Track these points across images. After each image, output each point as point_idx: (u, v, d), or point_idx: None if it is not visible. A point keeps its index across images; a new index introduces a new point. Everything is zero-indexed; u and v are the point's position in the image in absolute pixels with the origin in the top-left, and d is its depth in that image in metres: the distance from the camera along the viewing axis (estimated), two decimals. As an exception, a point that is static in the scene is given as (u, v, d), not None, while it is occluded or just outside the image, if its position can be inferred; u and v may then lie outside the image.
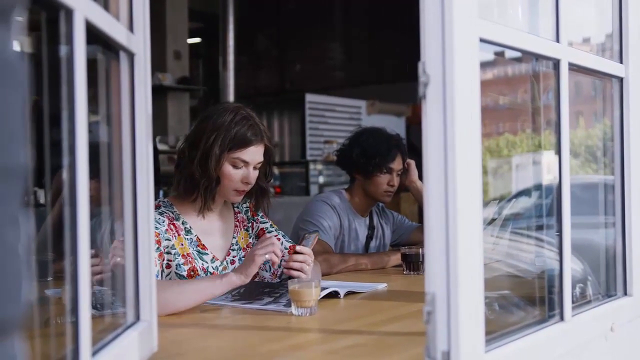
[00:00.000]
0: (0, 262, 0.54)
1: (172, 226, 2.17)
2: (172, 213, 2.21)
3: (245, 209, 2.42)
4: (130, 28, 1.34)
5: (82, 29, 1.00)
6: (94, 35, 1.10)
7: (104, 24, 1.14)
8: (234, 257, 2.32)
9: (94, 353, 1.08)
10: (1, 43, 0.55)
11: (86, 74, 1.02)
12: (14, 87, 0.55)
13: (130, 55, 1.33)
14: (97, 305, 1.33)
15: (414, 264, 2.62)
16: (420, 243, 2.92)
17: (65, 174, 1.01)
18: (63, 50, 1.00)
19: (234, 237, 2.34)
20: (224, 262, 2.28)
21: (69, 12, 0.98)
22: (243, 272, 1.97)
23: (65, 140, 0.99)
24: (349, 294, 2.16)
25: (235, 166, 2.19)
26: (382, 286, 2.33)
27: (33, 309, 1.03)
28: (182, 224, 2.22)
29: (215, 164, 2.15)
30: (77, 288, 0.99)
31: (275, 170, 7.72)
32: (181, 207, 2.25)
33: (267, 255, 1.97)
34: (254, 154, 2.20)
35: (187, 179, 2.20)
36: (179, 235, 2.18)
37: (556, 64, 1.50)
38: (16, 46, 0.57)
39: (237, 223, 2.38)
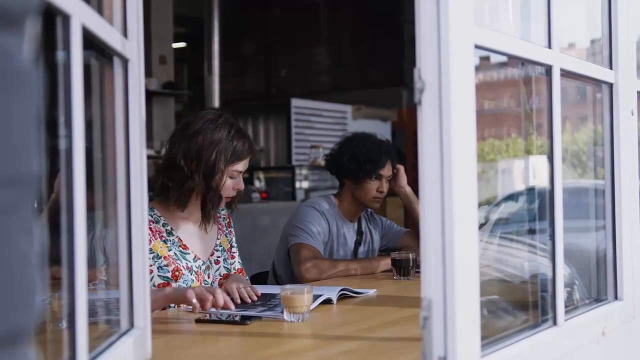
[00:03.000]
0: (14, 270, 0.54)
1: (149, 230, 2.19)
2: (152, 216, 2.23)
3: (223, 216, 2.48)
4: (125, 33, 1.33)
5: (78, 34, 1.00)
6: (88, 41, 1.09)
7: (100, 29, 1.13)
8: (217, 257, 2.38)
9: (90, 361, 1.07)
10: (14, 51, 0.54)
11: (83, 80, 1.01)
12: (27, 95, 0.55)
13: (124, 61, 1.33)
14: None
15: (404, 269, 2.62)
16: (409, 248, 2.93)
17: (55, 180, 1.01)
18: (59, 55, 0.99)
19: (217, 239, 2.41)
20: (207, 262, 2.33)
21: (66, 18, 0.97)
22: (175, 294, 2.02)
23: (63, 146, 0.98)
24: (342, 297, 2.16)
25: (231, 177, 2.27)
26: (372, 292, 2.33)
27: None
28: (163, 226, 2.26)
29: (220, 178, 2.23)
30: (74, 295, 0.98)
31: (261, 175, 7.71)
32: (165, 211, 2.28)
33: (194, 300, 1.90)
34: (247, 163, 2.31)
35: (187, 193, 2.23)
36: (156, 238, 2.22)
37: (548, 69, 1.51)
38: (29, 53, 0.57)
39: (220, 226, 2.44)
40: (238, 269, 2.45)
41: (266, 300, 2.12)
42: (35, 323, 0.58)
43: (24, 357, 0.56)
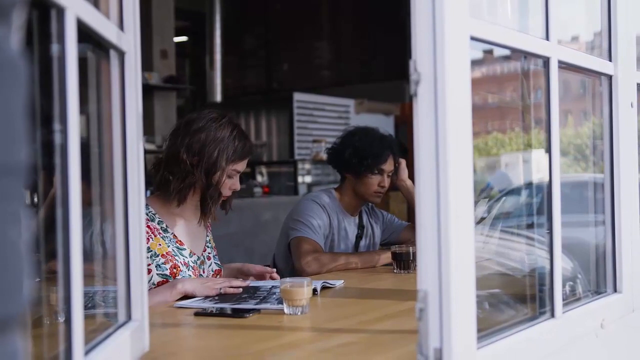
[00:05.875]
0: (2, 258, 0.54)
1: (147, 228, 2.20)
2: (147, 214, 2.24)
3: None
4: (121, 26, 1.33)
5: (73, 27, 1.00)
6: (84, 34, 1.09)
7: (95, 22, 1.13)
8: (209, 253, 2.42)
9: (86, 352, 1.08)
10: (1, 41, 0.55)
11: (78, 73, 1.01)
12: (15, 85, 0.55)
13: (121, 54, 1.33)
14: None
15: (404, 262, 2.62)
16: (410, 242, 2.93)
17: (55, 175, 1.01)
18: (54, 48, 0.99)
19: (207, 236, 2.44)
20: (201, 257, 2.37)
21: (61, 11, 0.97)
22: (192, 286, 2.10)
23: (57, 140, 0.98)
24: (323, 289, 2.20)
25: (230, 176, 2.30)
26: (340, 282, 2.35)
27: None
28: (158, 223, 2.28)
29: (220, 175, 2.25)
30: (70, 288, 0.99)
31: (263, 170, 7.72)
32: (160, 207, 2.29)
33: (222, 290, 2.11)
34: (245, 164, 2.35)
35: (187, 188, 2.25)
36: (155, 235, 2.22)
37: (546, 61, 1.50)
38: (16, 44, 0.57)
39: (209, 224, 2.47)
40: (215, 270, 2.45)
41: (253, 292, 2.12)
42: (25, 311, 0.58)
43: (12, 344, 0.56)
